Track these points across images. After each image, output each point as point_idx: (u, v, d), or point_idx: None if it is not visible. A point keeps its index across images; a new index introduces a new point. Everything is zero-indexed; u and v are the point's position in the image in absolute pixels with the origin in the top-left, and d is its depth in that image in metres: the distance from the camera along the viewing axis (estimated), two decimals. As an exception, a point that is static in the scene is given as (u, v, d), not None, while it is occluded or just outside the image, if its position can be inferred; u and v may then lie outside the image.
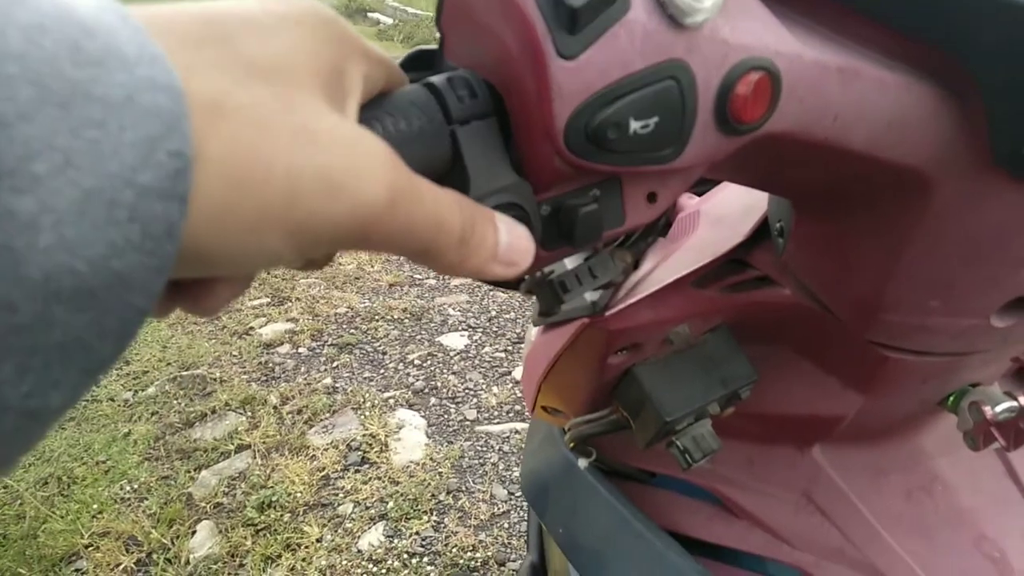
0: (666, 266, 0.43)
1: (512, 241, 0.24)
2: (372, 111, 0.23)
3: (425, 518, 1.70)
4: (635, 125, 0.24)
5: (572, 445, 0.50)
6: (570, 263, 0.30)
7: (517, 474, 1.84)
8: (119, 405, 2.15)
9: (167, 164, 0.16)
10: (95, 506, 1.76)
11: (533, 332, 0.55)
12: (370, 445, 1.94)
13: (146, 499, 1.79)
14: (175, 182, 0.16)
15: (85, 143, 0.15)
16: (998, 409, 0.39)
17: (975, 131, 0.28)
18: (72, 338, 0.15)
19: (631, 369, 0.43)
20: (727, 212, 0.46)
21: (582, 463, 0.52)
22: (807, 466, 0.47)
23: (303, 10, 0.21)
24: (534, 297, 0.32)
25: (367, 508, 1.74)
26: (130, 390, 2.22)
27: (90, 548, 1.66)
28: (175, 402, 2.15)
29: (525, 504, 1.76)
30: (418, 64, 0.28)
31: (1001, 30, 0.25)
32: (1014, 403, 0.39)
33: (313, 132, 0.19)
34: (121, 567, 1.61)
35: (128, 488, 1.83)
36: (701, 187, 0.60)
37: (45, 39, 0.14)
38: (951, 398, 0.42)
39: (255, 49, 0.19)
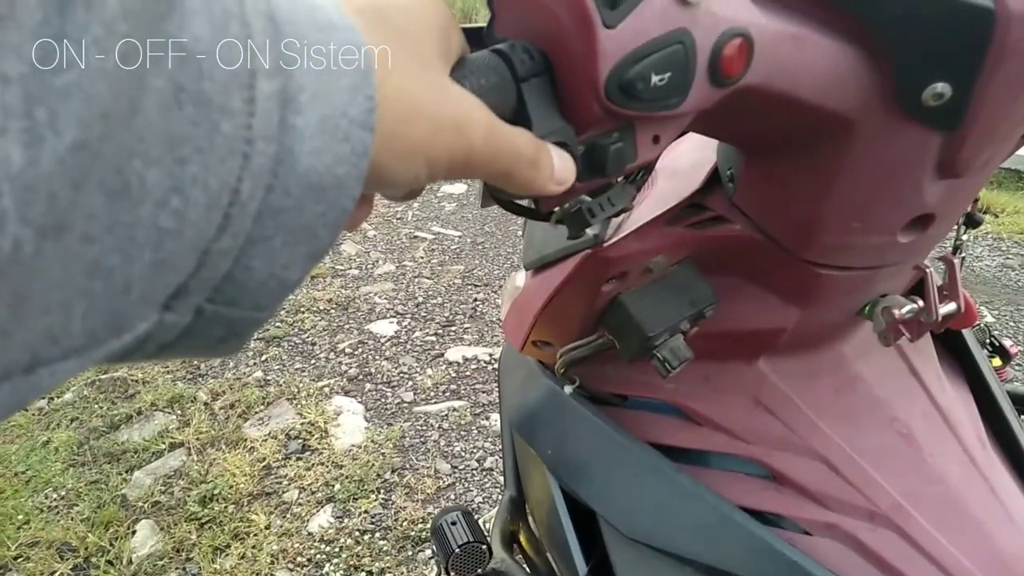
0: (639, 211, 0.52)
1: (561, 163, 0.31)
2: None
3: (372, 497, 1.74)
4: (655, 79, 0.31)
5: (563, 371, 0.58)
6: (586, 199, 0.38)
7: (459, 449, 1.91)
8: (33, 414, 2.05)
9: (364, 103, 0.22)
10: (19, 516, 1.69)
11: (519, 279, 0.62)
12: (310, 433, 1.95)
13: (76, 505, 1.73)
14: (368, 116, 0.22)
15: (325, 85, 0.21)
16: (904, 310, 0.50)
17: (886, 84, 0.37)
18: (309, 223, 0.21)
19: (617, 297, 0.51)
20: (679, 167, 0.55)
21: (567, 389, 0.59)
22: (754, 375, 0.57)
23: None
24: (555, 228, 0.39)
25: (313, 492, 1.76)
26: (44, 398, 2.12)
27: (19, 559, 1.59)
28: (96, 406, 2.08)
29: (478, 467, 1.83)
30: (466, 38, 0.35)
31: (902, 4, 0.34)
32: (915, 305, 0.50)
33: (443, 86, 0.26)
34: (57, 574, 1.56)
35: (55, 496, 1.76)
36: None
37: (299, 13, 0.21)
38: (867, 307, 0.52)
39: (396, 15, 0.25)
